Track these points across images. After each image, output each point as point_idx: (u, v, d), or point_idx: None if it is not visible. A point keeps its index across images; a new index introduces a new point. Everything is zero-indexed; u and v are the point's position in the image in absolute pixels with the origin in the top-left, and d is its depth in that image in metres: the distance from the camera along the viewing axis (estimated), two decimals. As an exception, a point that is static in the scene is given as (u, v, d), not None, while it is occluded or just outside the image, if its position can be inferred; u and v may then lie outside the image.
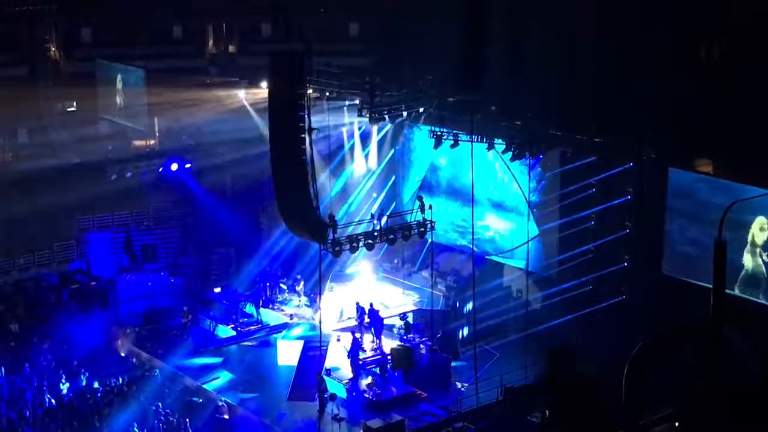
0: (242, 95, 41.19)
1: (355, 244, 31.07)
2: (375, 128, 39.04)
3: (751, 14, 30.73)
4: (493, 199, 37.57)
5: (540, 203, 35.68)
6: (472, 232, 35.18)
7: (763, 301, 28.97)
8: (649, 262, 31.95)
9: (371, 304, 34.20)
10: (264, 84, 36.50)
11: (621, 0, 33.42)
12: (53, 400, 30.96)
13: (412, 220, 32.85)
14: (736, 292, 29.11)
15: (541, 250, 35.46)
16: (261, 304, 37.06)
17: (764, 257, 28.84)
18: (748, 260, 29.05)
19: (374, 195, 40.74)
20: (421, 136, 38.57)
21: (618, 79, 32.46)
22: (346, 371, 31.87)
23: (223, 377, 33.04)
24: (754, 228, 28.77)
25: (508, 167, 35.94)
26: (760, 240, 28.81)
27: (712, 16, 31.93)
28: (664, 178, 30.90)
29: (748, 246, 28.95)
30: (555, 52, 34.56)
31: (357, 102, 34.34)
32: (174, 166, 42.55)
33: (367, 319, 34.02)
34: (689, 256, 30.38)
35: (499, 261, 37.77)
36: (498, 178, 37.12)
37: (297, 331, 35.60)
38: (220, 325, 36.25)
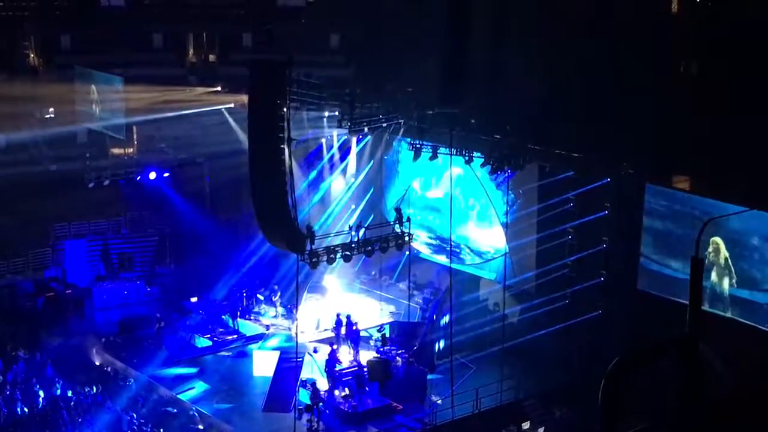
0: (222, 105, 41.12)
1: (332, 256, 31.04)
2: (354, 140, 39.08)
3: (729, 33, 31.04)
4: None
5: (513, 222, 35.80)
6: (450, 245, 35.24)
7: (729, 315, 29.17)
8: (625, 277, 32.09)
9: (348, 316, 34.17)
10: (244, 94, 36.45)
11: (601, 16, 33.61)
12: (26, 409, 30.72)
13: (391, 232, 32.88)
14: (706, 307, 29.28)
15: (510, 266, 35.55)
16: (238, 314, 36.97)
17: (725, 278, 29.08)
18: (714, 277, 29.28)
19: (353, 207, 40.73)
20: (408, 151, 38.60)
21: (596, 94, 32.65)
22: (322, 383, 31.81)
23: (199, 387, 32.90)
24: (710, 249, 29.01)
25: (481, 184, 36.13)
26: (718, 260, 29.06)
27: (691, 34, 32.23)
28: (641, 194, 31.08)
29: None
30: (535, 66, 34.71)
31: (337, 113, 34.36)
32: (152, 175, 42.43)
33: (343, 331, 33.96)
34: (663, 272, 30.56)
35: (475, 274, 37.87)
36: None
37: (273, 342, 35.49)
38: (196, 335, 36.09)
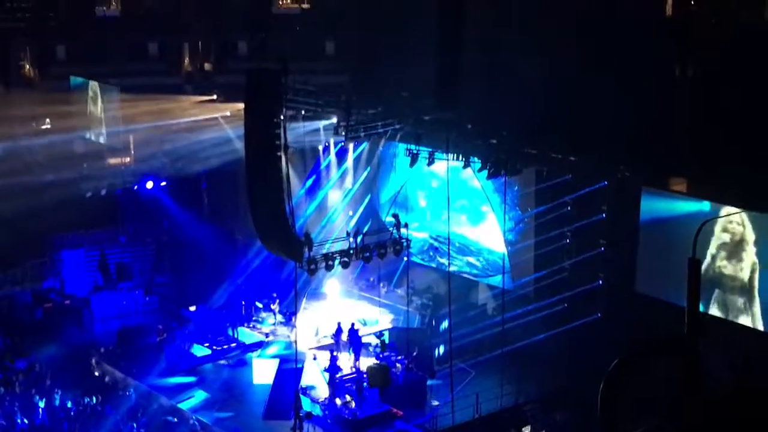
0: (218, 113, 41.14)
1: (330, 262, 30.99)
2: (351, 146, 39.06)
3: (727, 37, 31.13)
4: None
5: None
6: (448, 252, 35.24)
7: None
8: (623, 279, 32.11)
9: (353, 324, 34.13)
10: (240, 102, 36.46)
11: (598, 19, 33.70)
12: (25, 420, 30.67)
13: (388, 238, 32.83)
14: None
15: (508, 279, 35.62)
16: (237, 322, 36.93)
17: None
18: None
19: (350, 213, 40.71)
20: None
21: (593, 97, 32.70)
22: (323, 390, 31.78)
23: (198, 396, 32.85)
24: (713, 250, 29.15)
25: (487, 197, 36.11)
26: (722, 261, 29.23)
27: (688, 37, 32.31)
28: (637, 197, 31.12)
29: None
30: (531, 70, 34.76)
31: (333, 120, 34.35)
32: (149, 184, 42.41)
33: (345, 337, 33.92)
34: (660, 274, 30.58)
35: (473, 279, 37.89)
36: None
37: (272, 350, 35.45)
38: (195, 343, 36.05)
